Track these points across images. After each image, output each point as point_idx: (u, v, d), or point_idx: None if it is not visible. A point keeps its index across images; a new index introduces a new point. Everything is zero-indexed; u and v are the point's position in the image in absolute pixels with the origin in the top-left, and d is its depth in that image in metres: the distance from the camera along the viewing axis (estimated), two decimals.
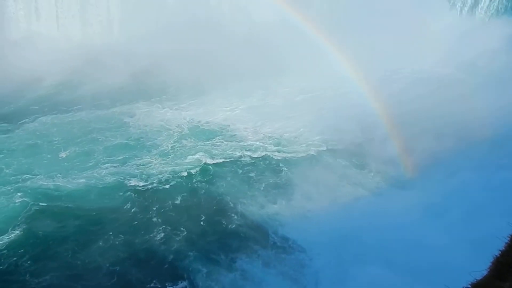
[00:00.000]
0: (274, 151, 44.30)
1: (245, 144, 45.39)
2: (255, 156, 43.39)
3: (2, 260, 29.62)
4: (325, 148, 44.95)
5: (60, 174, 39.13)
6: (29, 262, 29.70)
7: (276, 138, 46.63)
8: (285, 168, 41.46)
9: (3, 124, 48.78)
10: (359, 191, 38.66)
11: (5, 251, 30.33)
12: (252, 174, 40.63)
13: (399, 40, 56.56)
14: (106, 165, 40.87)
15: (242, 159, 42.76)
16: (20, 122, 49.46)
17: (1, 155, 42.29)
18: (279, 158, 43.24)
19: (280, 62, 58.64)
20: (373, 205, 36.12)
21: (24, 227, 32.74)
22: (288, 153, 44.17)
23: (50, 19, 75.97)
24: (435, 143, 41.94)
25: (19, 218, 33.50)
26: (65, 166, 40.60)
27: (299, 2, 63.72)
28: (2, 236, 31.42)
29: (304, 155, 43.97)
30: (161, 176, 39.31)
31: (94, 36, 72.07)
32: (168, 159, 42.16)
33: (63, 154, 42.64)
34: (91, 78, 60.07)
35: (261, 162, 42.56)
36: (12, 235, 31.76)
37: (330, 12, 66.26)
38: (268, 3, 69.11)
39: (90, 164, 40.98)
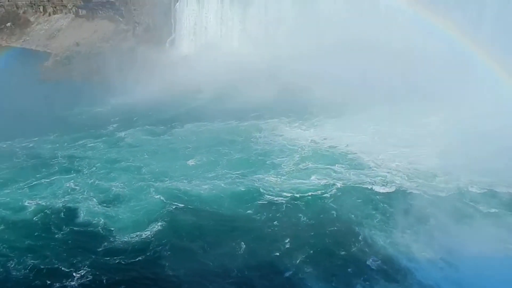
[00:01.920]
0: (406, 184, 40.90)
1: (373, 172, 42.90)
2: (383, 185, 40.79)
3: (150, 247, 33.81)
4: (472, 188, 39.67)
5: (187, 179, 42.79)
6: (169, 252, 33.30)
7: (409, 170, 42.91)
8: (416, 202, 38.04)
9: (160, 127, 56.03)
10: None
11: (153, 239, 34.72)
12: (378, 203, 38.49)
13: None
14: (226, 176, 43.09)
15: (369, 187, 40.67)
16: (171, 127, 55.97)
17: (145, 156, 48.16)
18: (412, 191, 39.80)
19: (428, 87, 54.03)
20: None
21: (166, 220, 36.85)
22: (423, 187, 40.19)
23: (215, 37, 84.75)
24: None
25: (160, 213, 37.80)
26: (192, 173, 44.13)
27: (463, 22, 58.12)
28: (150, 227, 36.01)
29: (446, 194, 39.42)
30: (285, 193, 40.03)
31: (250, 53, 76.53)
32: (287, 178, 42.30)
33: (191, 162, 46.32)
34: (241, 93, 64.57)
35: (391, 192, 39.89)
36: (157, 226, 36.08)
37: (498, 32, 58.20)
38: (429, 23, 64.61)
39: (212, 174, 43.74)
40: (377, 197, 39.34)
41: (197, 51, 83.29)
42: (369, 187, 40.57)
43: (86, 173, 44.37)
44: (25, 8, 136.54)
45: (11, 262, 32.53)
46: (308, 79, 62.47)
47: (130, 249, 33.64)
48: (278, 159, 46.09)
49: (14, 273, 31.54)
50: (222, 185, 41.59)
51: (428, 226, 34.83)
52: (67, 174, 44.31)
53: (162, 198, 39.84)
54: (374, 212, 37.11)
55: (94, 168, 45.36)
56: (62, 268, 31.73)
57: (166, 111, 61.76)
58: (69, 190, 41.22)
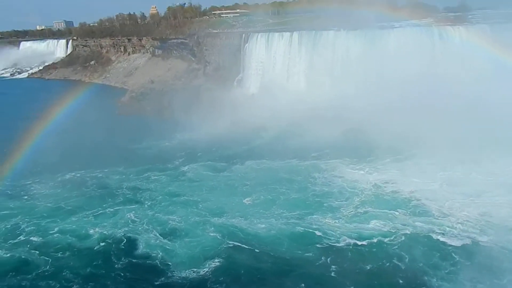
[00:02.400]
0: (476, 235, 37.46)
1: (438, 221, 39.89)
2: (451, 235, 37.69)
3: (207, 285, 33.72)
4: None
5: (243, 217, 42.62)
6: None
7: (480, 221, 39.38)
8: (489, 255, 34.77)
9: (221, 163, 56.96)
10: None
11: (210, 276, 34.67)
12: (446, 253, 35.65)
13: None
14: (282, 216, 42.36)
15: (435, 236, 37.81)
16: (232, 163, 56.63)
17: (204, 191, 48.85)
18: (484, 244, 36.39)
19: (506, 133, 50.38)
20: None
21: (223, 257, 36.83)
22: (498, 241, 36.55)
23: (282, 77, 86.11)
24: None
25: (217, 250, 37.79)
26: (248, 211, 43.92)
27: None
28: (206, 263, 36.05)
29: None
30: (345, 237, 38.45)
31: (316, 93, 76.38)
32: (346, 222, 40.64)
33: (247, 201, 46.09)
34: (304, 132, 64.42)
35: (459, 243, 36.75)
36: (214, 264, 36.05)
37: None
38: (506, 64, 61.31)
39: (268, 213, 43.15)
40: (444, 247, 36.52)
41: (264, 91, 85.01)
42: (435, 236, 37.76)
43: (147, 205, 45.95)
44: (108, 48, 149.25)
45: None
46: (373, 119, 60.49)
47: (188, 285, 33.84)
48: (337, 202, 44.51)
49: None
50: (279, 225, 40.80)
51: (505, 282, 31.88)
52: (130, 204, 46.26)
53: (218, 234, 39.93)
54: (442, 263, 34.47)
55: (155, 200, 46.93)
56: None
57: (229, 147, 62.92)
58: (130, 221, 42.78)
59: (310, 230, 39.77)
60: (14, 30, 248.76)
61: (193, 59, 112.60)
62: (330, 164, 53.98)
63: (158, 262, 36.43)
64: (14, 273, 35.82)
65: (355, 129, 62.97)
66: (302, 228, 40.20)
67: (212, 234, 40.06)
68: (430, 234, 38.23)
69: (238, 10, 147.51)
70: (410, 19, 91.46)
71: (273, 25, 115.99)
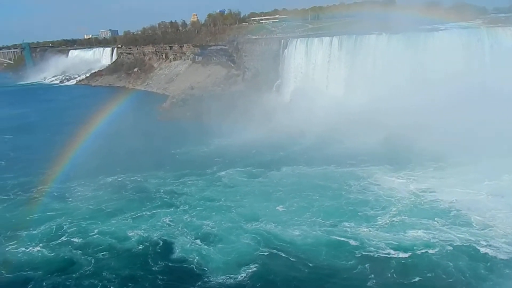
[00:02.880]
0: None
1: (481, 232, 38.13)
2: (496, 248, 35.81)
3: None
4: None
5: (275, 223, 42.39)
6: None
7: None
8: None
9: (258, 169, 57.02)
10: None
11: (248, 282, 34.77)
12: (490, 266, 34.05)
13: None
14: (315, 223, 41.86)
15: (478, 248, 36.17)
16: (268, 169, 56.61)
17: (238, 197, 49.04)
18: None
19: None
20: None
21: (259, 263, 36.76)
22: None
23: (321, 82, 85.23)
24: None
25: (253, 256, 37.75)
26: (281, 217, 43.66)
27: None
28: (242, 270, 36.01)
29: None
30: (384, 247, 37.34)
31: (355, 99, 74.56)
32: (382, 232, 39.56)
33: (280, 208, 45.78)
34: (343, 138, 63.53)
35: (508, 258, 34.92)
36: (250, 270, 35.97)
37: None
38: None
39: (301, 220, 42.72)
40: (489, 258, 35.06)
41: (302, 96, 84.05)
42: (478, 247, 36.26)
43: (183, 210, 46.74)
44: (151, 55, 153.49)
45: None
46: (416, 124, 58.74)
47: None
48: (372, 211, 43.39)
49: None
50: (314, 233, 40.28)
51: None
52: (166, 208, 47.19)
53: (252, 241, 39.91)
54: (488, 275, 33.05)
55: (190, 205, 47.66)
56: None
57: (266, 153, 63.16)
58: (166, 225, 43.66)
59: (345, 239, 38.96)
60: (64, 40, 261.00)
61: (232, 65, 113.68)
62: (366, 172, 52.90)
63: (194, 267, 36.80)
64: (59, 272, 37.23)
65: (397, 134, 61.09)
66: (337, 237, 39.49)
67: (246, 241, 40.09)
68: (472, 245, 36.68)
69: (277, 16, 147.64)
70: (456, 21, 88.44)
71: (312, 30, 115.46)
